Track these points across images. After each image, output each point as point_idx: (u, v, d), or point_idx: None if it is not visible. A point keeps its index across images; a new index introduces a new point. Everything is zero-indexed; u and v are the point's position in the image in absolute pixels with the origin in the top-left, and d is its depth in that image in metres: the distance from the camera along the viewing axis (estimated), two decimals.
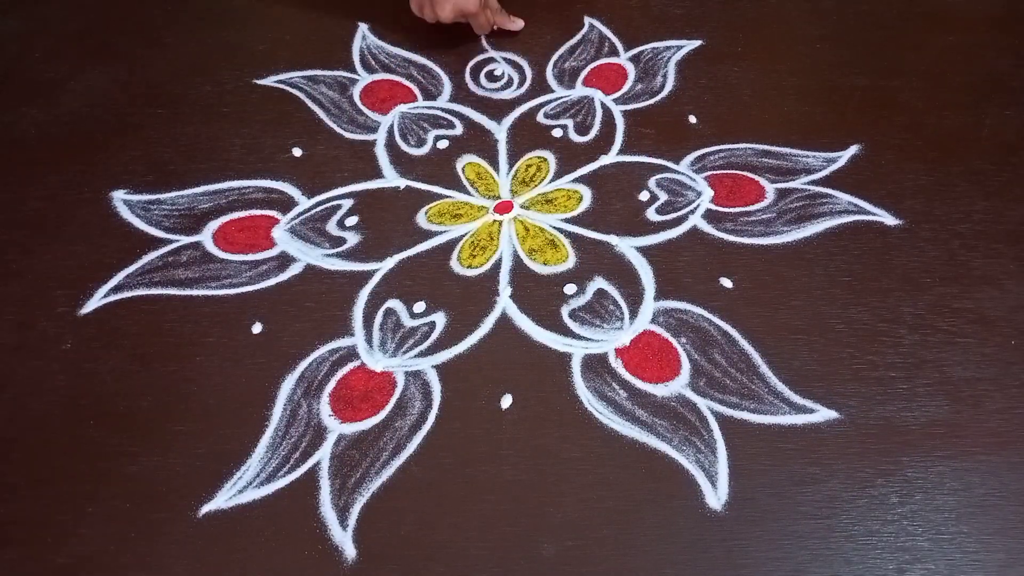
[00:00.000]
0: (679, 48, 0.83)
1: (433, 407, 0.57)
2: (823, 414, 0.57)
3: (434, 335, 0.61)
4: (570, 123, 0.77)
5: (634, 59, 0.82)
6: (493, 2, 0.83)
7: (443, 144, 0.75)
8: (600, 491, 0.53)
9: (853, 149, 0.74)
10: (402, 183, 0.72)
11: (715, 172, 0.72)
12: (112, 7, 0.79)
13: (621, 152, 0.74)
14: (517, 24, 0.85)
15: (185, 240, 0.68)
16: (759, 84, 0.80)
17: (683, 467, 0.54)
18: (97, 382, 0.59)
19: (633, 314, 0.62)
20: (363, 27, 0.86)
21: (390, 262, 0.66)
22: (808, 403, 0.57)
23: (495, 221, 0.69)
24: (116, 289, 0.64)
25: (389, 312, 0.63)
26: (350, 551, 0.51)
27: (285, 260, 0.66)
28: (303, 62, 0.82)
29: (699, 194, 0.70)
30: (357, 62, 0.83)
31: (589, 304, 0.63)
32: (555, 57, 0.83)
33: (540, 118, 0.77)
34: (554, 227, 0.68)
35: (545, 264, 0.66)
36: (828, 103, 0.78)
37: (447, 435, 0.56)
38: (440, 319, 0.62)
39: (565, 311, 0.63)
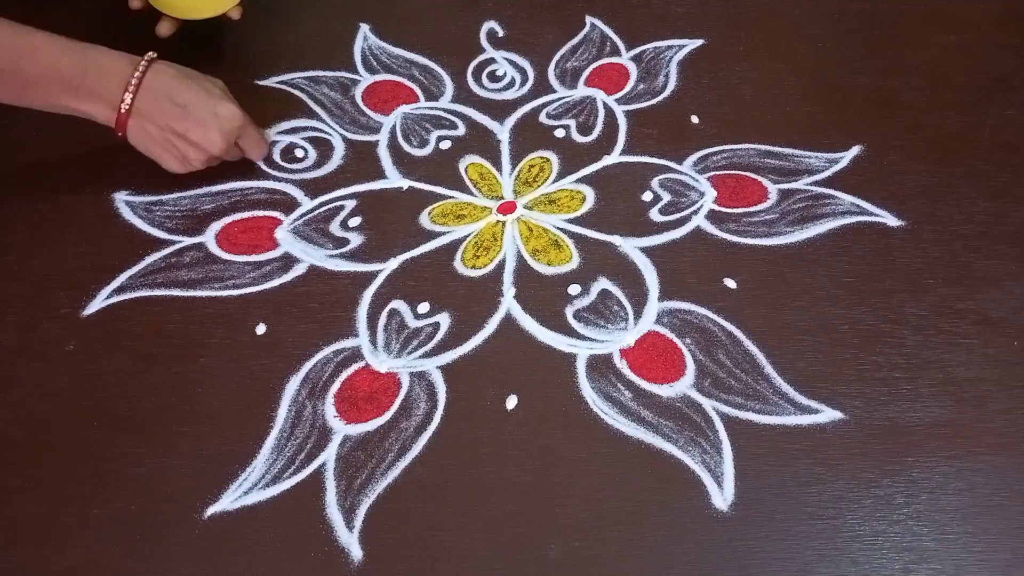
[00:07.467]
0: (681, 47, 0.83)
1: (438, 408, 0.57)
2: (828, 415, 0.57)
3: (439, 336, 0.61)
4: (572, 123, 0.77)
5: (636, 59, 0.82)
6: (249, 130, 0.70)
7: (445, 145, 0.75)
8: (606, 492, 0.53)
9: (855, 150, 0.74)
10: (405, 184, 0.72)
11: (718, 173, 0.72)
12: (113, 8, 0.79)
13: (624, 152, 0.74)
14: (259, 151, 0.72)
15: (188, 241, 0.67)
16: (761, 84, 0.80)
17: (689, 467, 0.54)
18: (101, 384, 0.59)
19: (637, 315, 0.62)
20: (364, 27, 0.86)
21: (394, 263, 0.66)
22: (813, 404, 0.57)
23: (498, 222, 0.69)
24: (119, 290, 0.64)
25: (393, 313, 0.63)
26: (356, 552, 0.51)
27: (288, 261, 0.66)
28: (305, 63, 0.82)
29: (702, 195, 0.70)
30: (359, 63, 0.82)
31: (593, 305, 0.63)
32: (557, 57, 0.83)
33: (542, 118, 0.77)
34: (557, 227, 0.68)
35: (549, 265, 0.66)
36: (830, 103, 0.78)
37: (452, 436, 0.56)
38: (444, 320, 0.62)
39: (569, 312, 0.63)
